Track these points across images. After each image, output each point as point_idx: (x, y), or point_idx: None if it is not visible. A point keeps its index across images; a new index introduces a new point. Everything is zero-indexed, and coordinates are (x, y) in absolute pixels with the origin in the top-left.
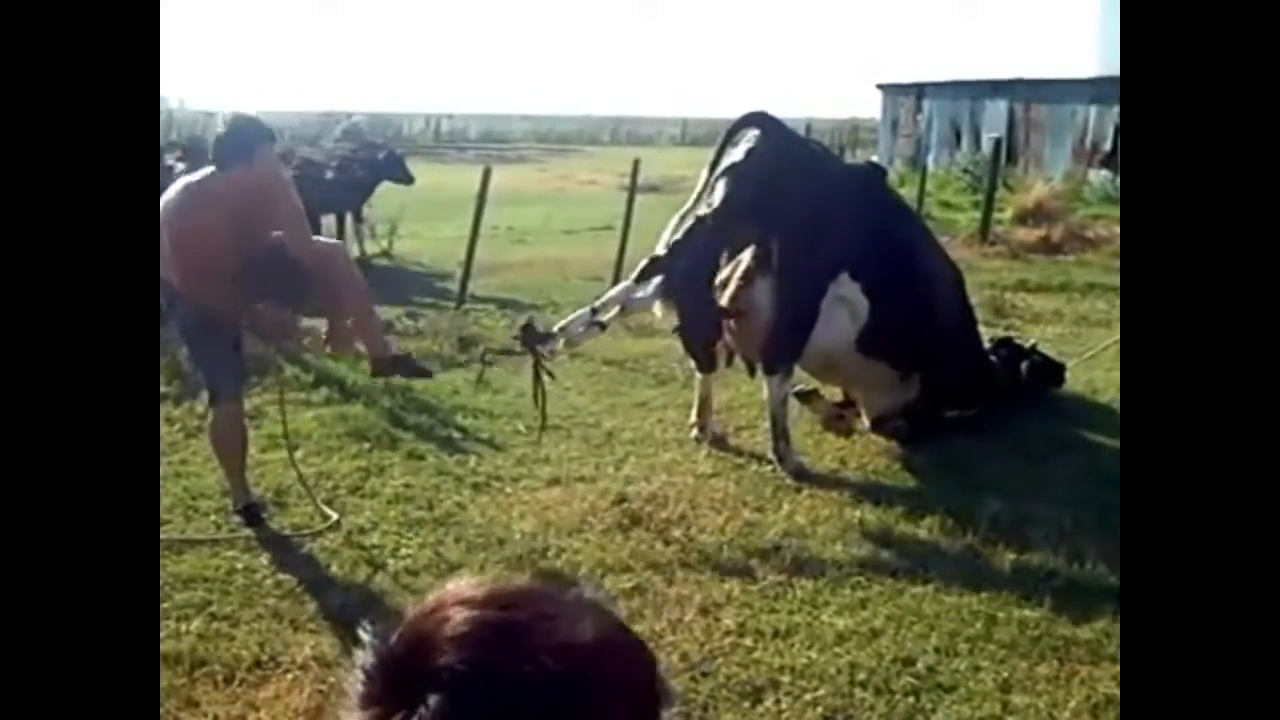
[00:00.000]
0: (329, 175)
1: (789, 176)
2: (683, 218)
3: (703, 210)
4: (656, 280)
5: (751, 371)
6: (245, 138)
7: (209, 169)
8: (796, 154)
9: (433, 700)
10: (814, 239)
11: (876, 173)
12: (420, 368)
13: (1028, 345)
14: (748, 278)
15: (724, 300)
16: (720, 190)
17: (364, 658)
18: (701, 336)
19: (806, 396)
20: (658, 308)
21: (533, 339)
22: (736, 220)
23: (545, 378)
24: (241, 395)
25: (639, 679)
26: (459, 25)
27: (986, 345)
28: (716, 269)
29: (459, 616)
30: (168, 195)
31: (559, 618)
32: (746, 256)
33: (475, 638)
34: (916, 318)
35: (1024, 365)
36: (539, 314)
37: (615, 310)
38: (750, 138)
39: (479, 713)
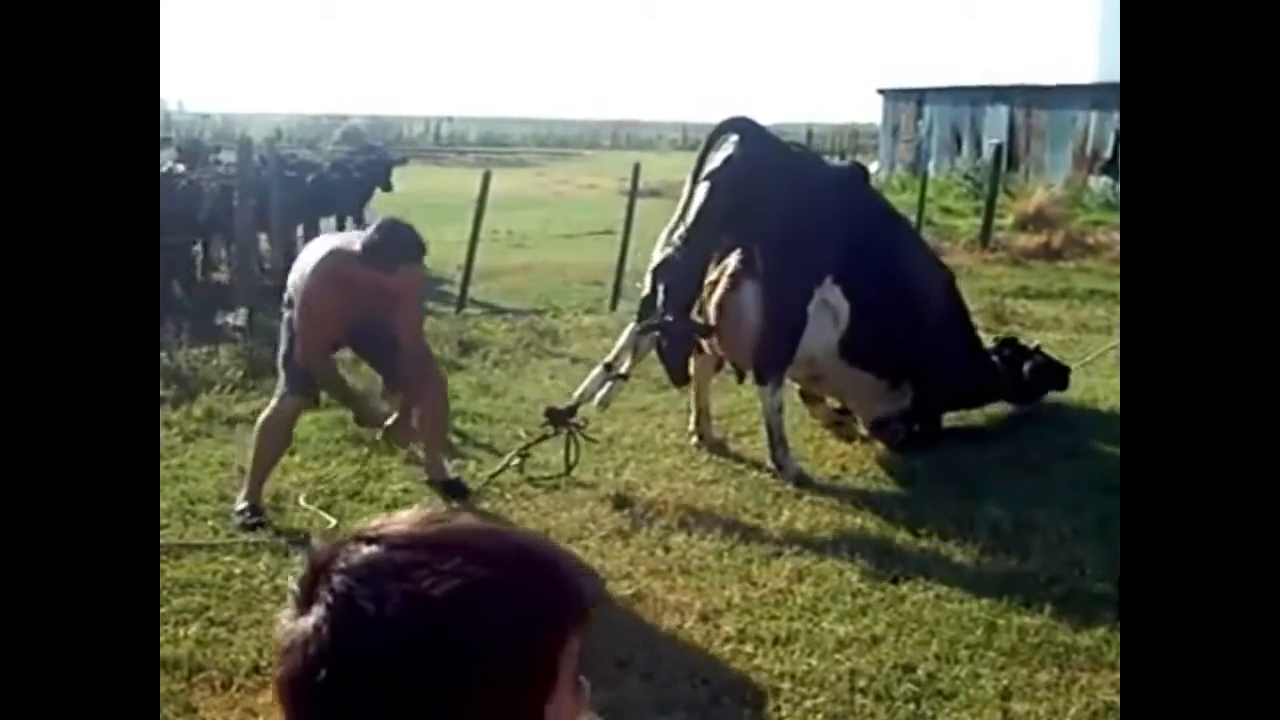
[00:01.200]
0: (332, 177)
1: (769, 182)
2: (670, 232)
3: (683, 230)
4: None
5: (740, 378)
6: (392, 250)
7: (356, 245)
8: (776, 159)
9: (315, 612)
10: (797, 245)
11: (859, 173)
12: (463, 489)
13: (1031, 346)
14: (734, 282)
15: (711, 304)
16: (697, 204)
17: (302, 566)
18: (677, 349)
19: (810, 397)
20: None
21: (560, 417)
22: (716, 233)
23: (581, 441)
24: (306, 398)
25: (506, 641)
26: (459, 28)
27: (990, 345)
28: (700, 284)
29: (358, 548)
30: (317, 249)
31: (434, 570)
32: (732, 261)
33: (354, 571)
34: (901, 322)
35: (1026, 366)
36: (539, 318)
37: (629, 358)
38: (728, 144)
39: (337, 639)
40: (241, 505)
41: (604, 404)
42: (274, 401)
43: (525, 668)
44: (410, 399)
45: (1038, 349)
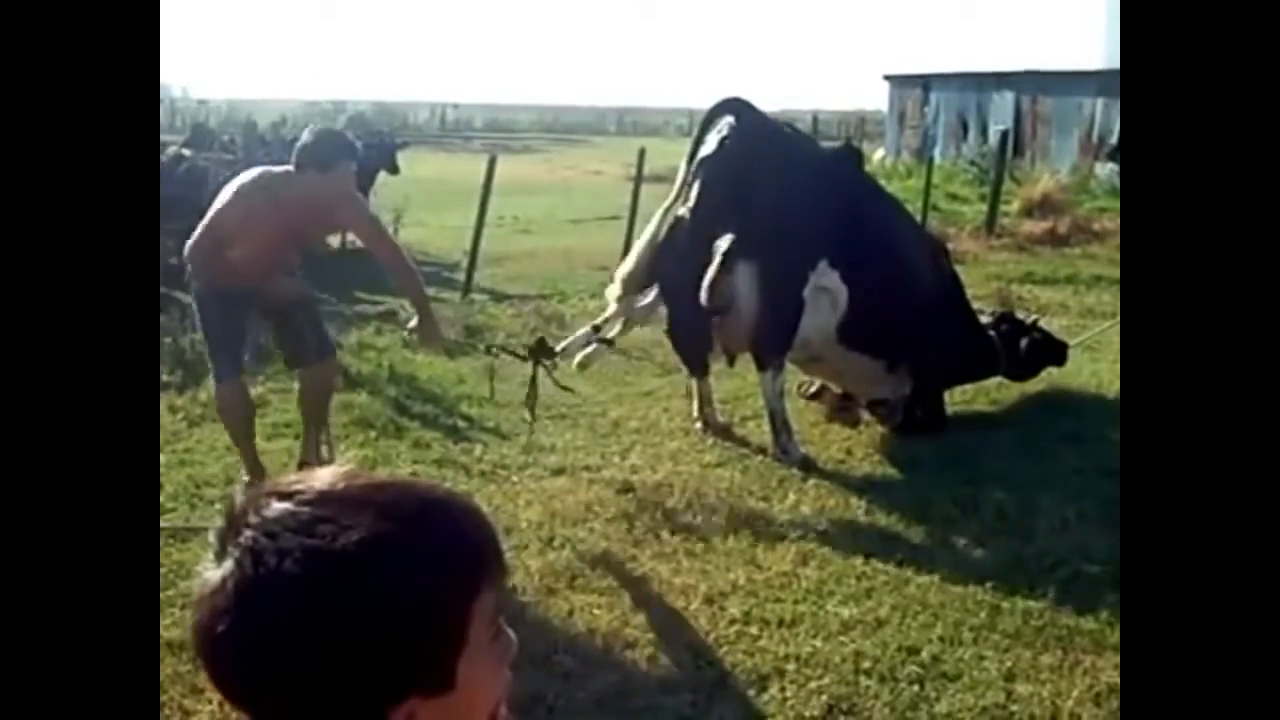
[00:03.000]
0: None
1: (763, 164)
2: (664, 213)
3: (682, 210)
4: (655, 289)
5: (731, 362)
6: (326, 149)
7: (288, 167)
8: (770, 142)
9: (225, 563)
10: (792, 228)
11: (851, 154)
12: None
13: (1029, 320)
14: (727, 265)
15: (704, 288)
16: (696, 188)
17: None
18: (692, 339)
19: (814, 397)
20: (663, 316)
21: (542, 351)
22: (714, 216)
23: (550, 384)
24: (239, 374)
25: (409, 595)
26: (465, 14)
27: (986, 320)
28: (704, 269)
29: (268, 501)
30: (240, 180)
31: (338, 524)
32: (723, 244)
33: (260, 526)
34: (897, 303)
35: (1024, 342)
36: (545, 303)
37: (619, 325)
38: (722, 127)
39: (245, 582)
40: (246, 479)
41: (583, 366)
42: (216, 390)
43: (429, 621)
44: (416, 306)
45: (1035, 323)
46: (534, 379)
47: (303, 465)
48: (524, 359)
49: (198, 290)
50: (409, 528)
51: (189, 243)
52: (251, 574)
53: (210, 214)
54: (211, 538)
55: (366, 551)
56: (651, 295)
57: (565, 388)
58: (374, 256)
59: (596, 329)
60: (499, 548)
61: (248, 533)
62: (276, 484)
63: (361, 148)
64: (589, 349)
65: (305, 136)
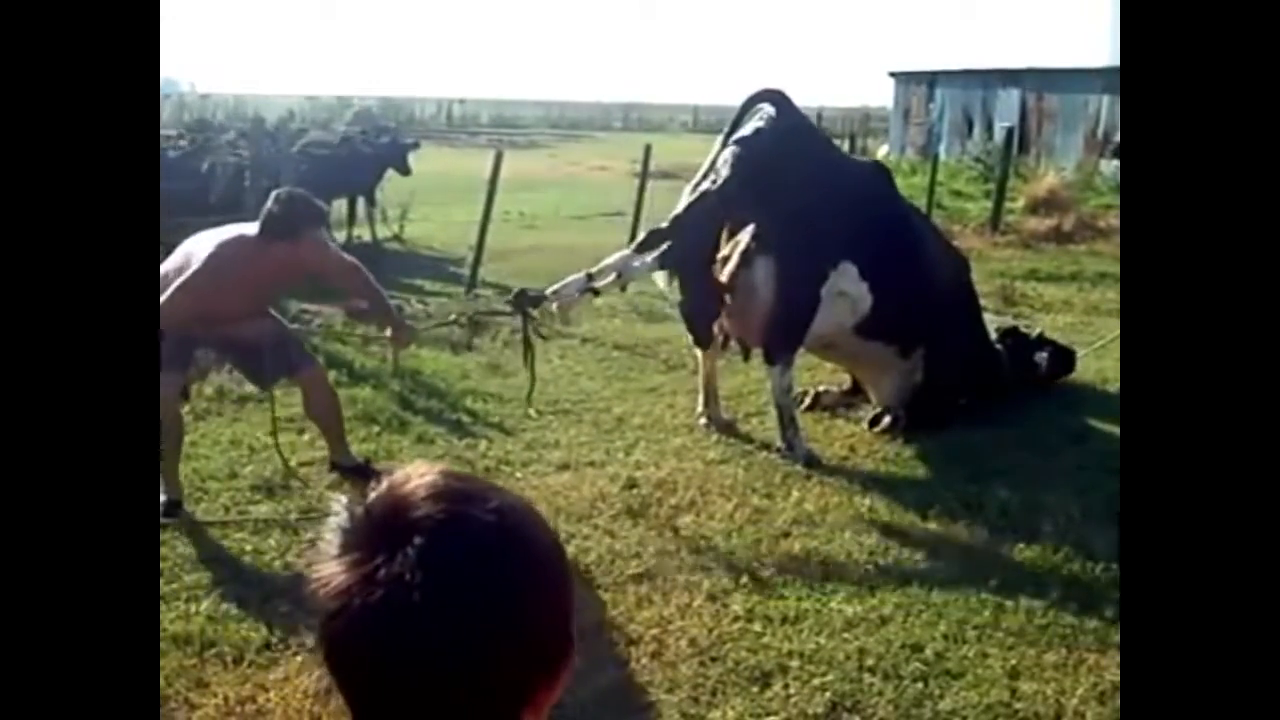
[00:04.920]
0: (341, 155)
1: (795, 160)
2: (693, 190)
3: (708, 185)
4: (656, 251)
5: (746, 355)
6: (293, 219)
7: (256, 233)
8: (805, 138)
9: (417, 541)
10: (816, 227)
11: (883, 170)
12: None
13: (1034, 335)
14: (746, 258)
15: (723, 277)
16: (726, 165)
17: (341, 518)
18: (703, 311)
19: (810, 408)
20: (660, 278)
21: (525, 302)
22: (739, 197)
23: (535, 339)
24: (180, 381)
25: (554, 539)
26: (473, 10)
27: (993, 335)
28: (719, 245)
29: (429, 480)
30: (212, 244)
31: (495, 489)
32: (745, 236)
33: (446, 496)
34: (916, 310)
35: (1041, 356)
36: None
37: (612, 277)
38: (762, 115)
39: (452, 552)
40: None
41: (563, 311)
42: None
43: (568, 604)
44: (389, 324)
45: (1040, 336)
46: (525, 331)
47: (334, 467)
48: (509, 314)
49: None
50: (540, 519)
51: (162, 303)
52: (441, 543)
53: (182, 279)
54: (342, 537)
55: (524, 515)
56: (649, 258)
57: (544, 336)
58: (333, 281)
59: (590, 277)
60: None
61: (419, 513)
62: (395, 480)
63: (371, 143)
64: (567, 282)
65: (271, 205)
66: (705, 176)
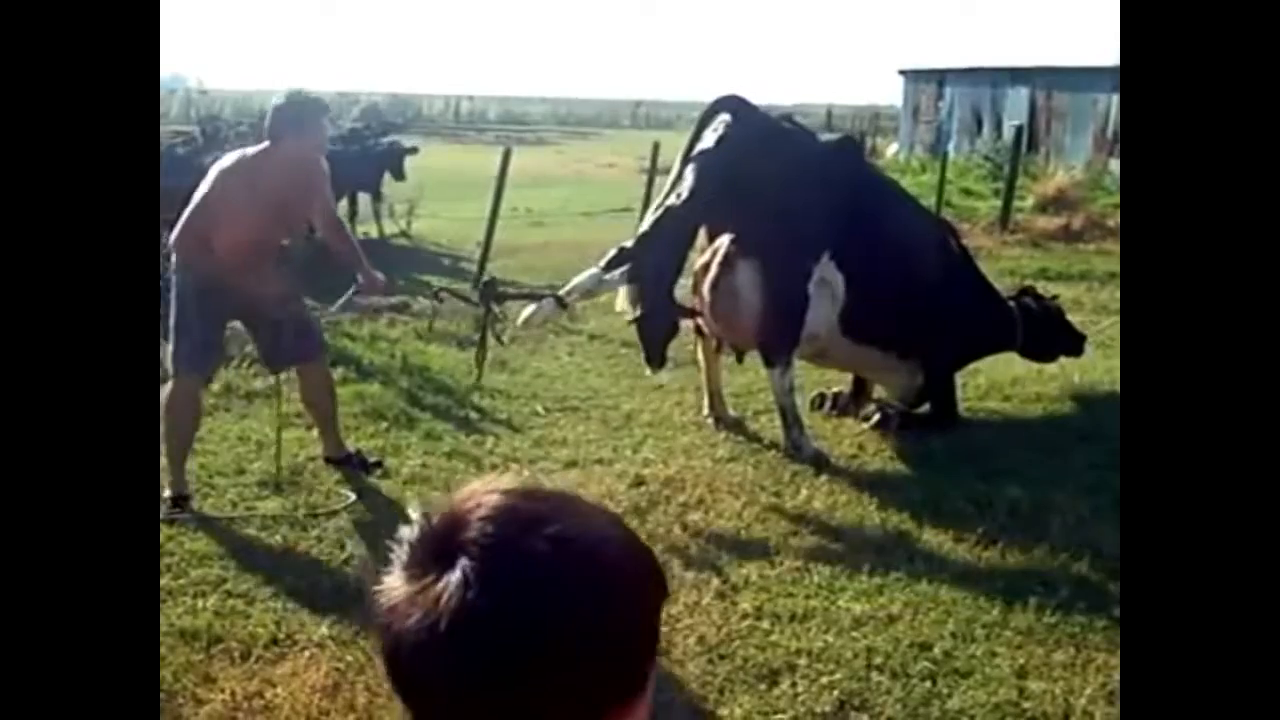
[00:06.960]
0: (349, 150)
1: (761, 162)
2: (657, 208)
3: (672, 201)
4: (623, 268)
5: (740, 359)
6: (300, 110)
7: (264, 144)
8: (769, 138)
9: (461, 563)
10: (793, 224)
11: (850, 146)
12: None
13: (1049, 297)
14: (728, 264)
15: (705, 286)
16: (689, 180)
17: (409, 532)
18: (658, 331)
19: (833, 404)
20: (621, 295)
21: (489, 295)
22: (705, 211)
23: (491, 339)
24: (205, 376)
25: (638, 572)
26: (482, 6)
27: (1007, 294)
28: (683, 262)
29: (491, 500)
30: (218, 164)
31: (574, 514)
32: (725, 241)
33: (501, 519)
34: (901, 289)
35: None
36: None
37: (578, 293)
38: (721, 124)
39: (497, 578)
40: (166, 494)
41: (527, 321)
42: (170, 384)
43: (650, 622)
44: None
45: (1054, 299)
46: (485, 320)
47: (329, 461)
48: (474, 304)
49: (179, 283)
50: (618, 528)
51: (173, 233)
52: (500, 563)
53: (193, 202)
54: (407, 552)
55: (599, 538)
56: (617, 274)
57: (501, 341)
58: (316, 217)
59: (560, 300)
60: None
61: (476, 532)
62: (464, 495)
63: (367, 149)
64: (538, 307)
65: (276, 102)
66: (670, 192)
